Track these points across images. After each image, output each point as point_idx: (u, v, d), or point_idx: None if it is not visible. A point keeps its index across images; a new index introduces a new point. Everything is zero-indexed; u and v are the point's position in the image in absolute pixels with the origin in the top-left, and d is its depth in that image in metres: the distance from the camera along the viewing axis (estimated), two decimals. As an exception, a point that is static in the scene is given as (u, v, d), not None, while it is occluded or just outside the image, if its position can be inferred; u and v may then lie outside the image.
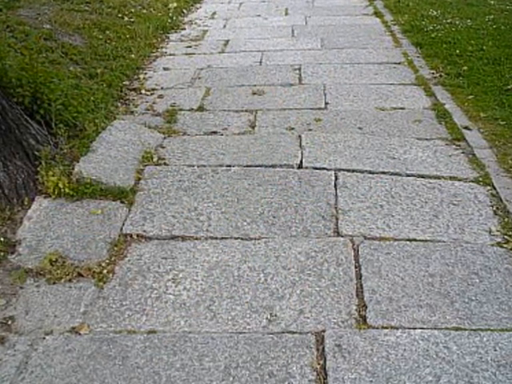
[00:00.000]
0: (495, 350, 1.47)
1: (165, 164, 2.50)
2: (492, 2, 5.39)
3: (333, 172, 2.39)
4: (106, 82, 3.31)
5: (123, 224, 2.05)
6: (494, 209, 2.11)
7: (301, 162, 2.49)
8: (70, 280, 1.77)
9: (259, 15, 5.48)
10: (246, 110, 3.11)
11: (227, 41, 4.54)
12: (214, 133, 2.84)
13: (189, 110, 3.13)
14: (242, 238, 1.97)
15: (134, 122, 2.91)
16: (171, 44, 4.52)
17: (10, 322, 1.61)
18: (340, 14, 5.40)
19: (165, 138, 2.79)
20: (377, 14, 5.32)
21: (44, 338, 1.55)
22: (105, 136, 2.58)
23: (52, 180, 2.13)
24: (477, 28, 4.48)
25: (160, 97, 3.34)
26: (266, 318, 1.61)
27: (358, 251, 1.88)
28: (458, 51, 3.93)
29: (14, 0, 4.31)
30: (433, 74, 3.61)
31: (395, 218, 2.06)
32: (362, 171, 2.40)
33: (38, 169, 2.18)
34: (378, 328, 1.55)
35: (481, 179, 2.33)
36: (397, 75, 3.62)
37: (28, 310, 1.66)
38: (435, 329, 1.54)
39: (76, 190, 2.16)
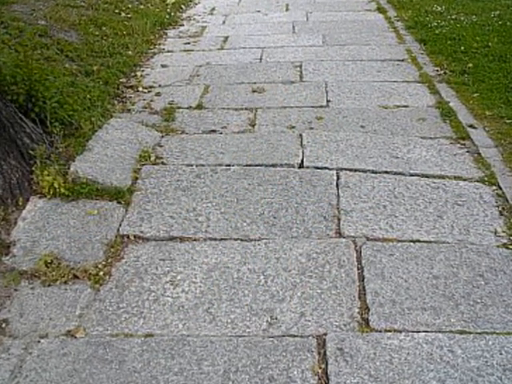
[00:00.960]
0: (501, 354, 1.45)
1: (162, 163, 2.47)
2: (497, -2, 5.33)
3: (335, 171, 2.35)
4: (102, 79, 3.27)
5: (120, 225, 2.02)
6: (500, 209, 2.08)
7: (302, 161, 2.46)
8: (65, 282, 1.74)
9: (259, 11, 5.44)
10: (246, 108, 3.07)
11: (226, 37, 4.49)
12: (213, 131, 2.80)
13: (187, 108, 3.10)
14: (241, 239, 1.94)
15: (131, 120, 2.88)
16: (169, 40, 4.48)
17: (4, 325, 1.59)
18: (342, 9, 5.35)
19: (162, 136, 2.75)
20: (380, 9, 5.28)
21: (39, 342, 1.53)
22: (101, 135, 2.55)
23: (47, 180, 2.10)
24: (482, 24, 4.43)
25: (158, 94, 3.30)
26: (267, 321, 1.58)
27: (360, 252, 1.85)
28: (462, 48, 3.88)
29: (8, -5, 4.26)
30: (437, 71, 3.57)
31: (398, 219, 2.02)
32: (364, 171, 2.36)
33: (33, 168, 2.15)
34: (380, 331, 1.53)
35: (486, 179, 2.30)
36: (400, 72, 3.57)
37: (23, 312, 1.63)
38: (439, 332, 1.52)
39: (72, 190, 2.13)
